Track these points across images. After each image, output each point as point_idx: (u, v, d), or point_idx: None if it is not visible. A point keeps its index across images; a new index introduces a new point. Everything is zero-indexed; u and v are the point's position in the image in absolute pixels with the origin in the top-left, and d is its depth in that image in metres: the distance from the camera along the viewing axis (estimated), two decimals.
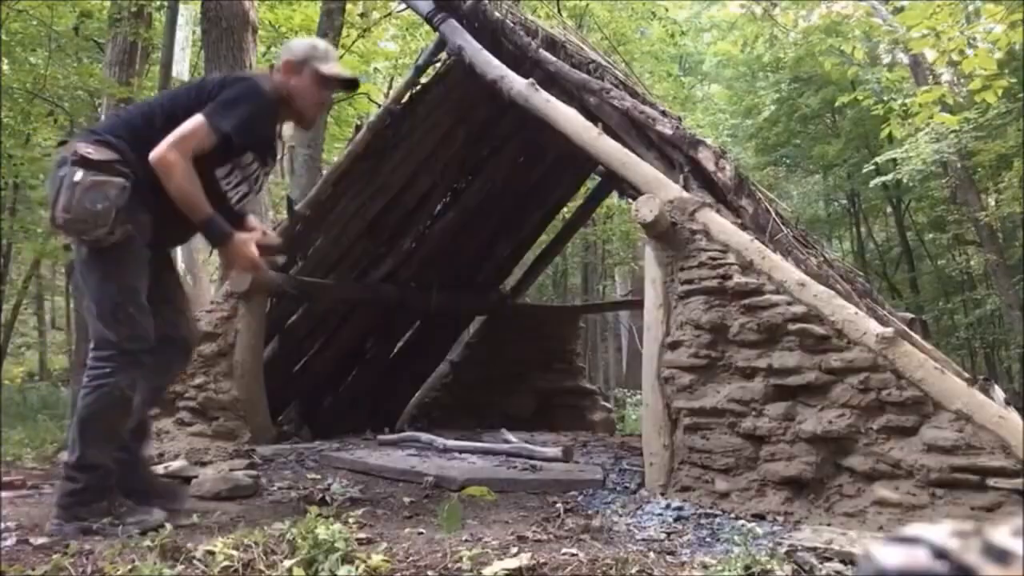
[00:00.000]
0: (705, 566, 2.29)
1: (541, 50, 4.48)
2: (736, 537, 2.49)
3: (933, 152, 9.46)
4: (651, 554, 2.41)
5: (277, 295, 5.29)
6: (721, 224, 3.31)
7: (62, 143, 2.70)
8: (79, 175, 2.57)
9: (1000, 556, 0.52)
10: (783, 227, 3.68)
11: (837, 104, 11.82)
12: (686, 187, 3.57)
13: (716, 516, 2.96)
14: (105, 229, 2.57)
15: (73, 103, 9.75)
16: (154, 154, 2.62)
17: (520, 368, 6.83)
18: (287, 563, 2.13)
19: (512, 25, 4.62)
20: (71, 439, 2.69)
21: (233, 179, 2.90)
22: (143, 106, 3.14)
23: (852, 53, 9.02)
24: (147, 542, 2.26)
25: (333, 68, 2.99)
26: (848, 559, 2.39)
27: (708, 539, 2.68)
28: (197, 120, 2.68)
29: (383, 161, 5.24)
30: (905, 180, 11.03)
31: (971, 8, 7.18)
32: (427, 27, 5.63)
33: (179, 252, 11.80)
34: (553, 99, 4.06)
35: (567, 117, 3.96)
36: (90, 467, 2.65)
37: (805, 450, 2.92)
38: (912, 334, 3.35)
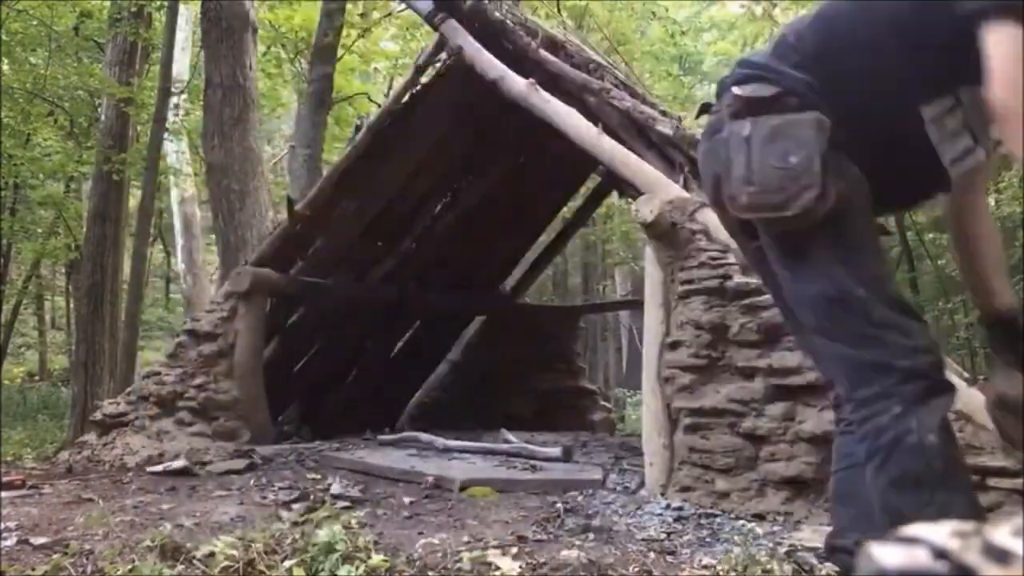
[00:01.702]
0: (705, 566, 2.29)
1: (541, 50, 4.47)
2: (736, 537, 2.49)
3: None
4: (651, 554, 2.41)
5: (277, 295, 5.29)
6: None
7: (705, 109, 1.90)
8: (746, 127, 1.68)
9: (1000, 556, 0.52)
10: None
11: None
12: (686, 187, 3.57)
13: (716, 516, 2.96)
14: (814, 191, 1.59)
15: (73, 103, 9.75)
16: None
17: (520, 368, 6.83)
18: (287, 563, 2.13)
19: (512, 25, 4.62)
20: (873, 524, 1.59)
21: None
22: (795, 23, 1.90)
23: None
24: (147, 542, 2.27)
25: None
26: None
27: (708, 539, 2.68)
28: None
29: (383, 161, 5.23)
30: None
31: None
32: (427, 27, 5.62)
33: (179, 253, 11.80)
34: (553, 99, 4.06)
35: (567, 117, 3.97)
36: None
37: (805, 450, 2.92)
38: None
